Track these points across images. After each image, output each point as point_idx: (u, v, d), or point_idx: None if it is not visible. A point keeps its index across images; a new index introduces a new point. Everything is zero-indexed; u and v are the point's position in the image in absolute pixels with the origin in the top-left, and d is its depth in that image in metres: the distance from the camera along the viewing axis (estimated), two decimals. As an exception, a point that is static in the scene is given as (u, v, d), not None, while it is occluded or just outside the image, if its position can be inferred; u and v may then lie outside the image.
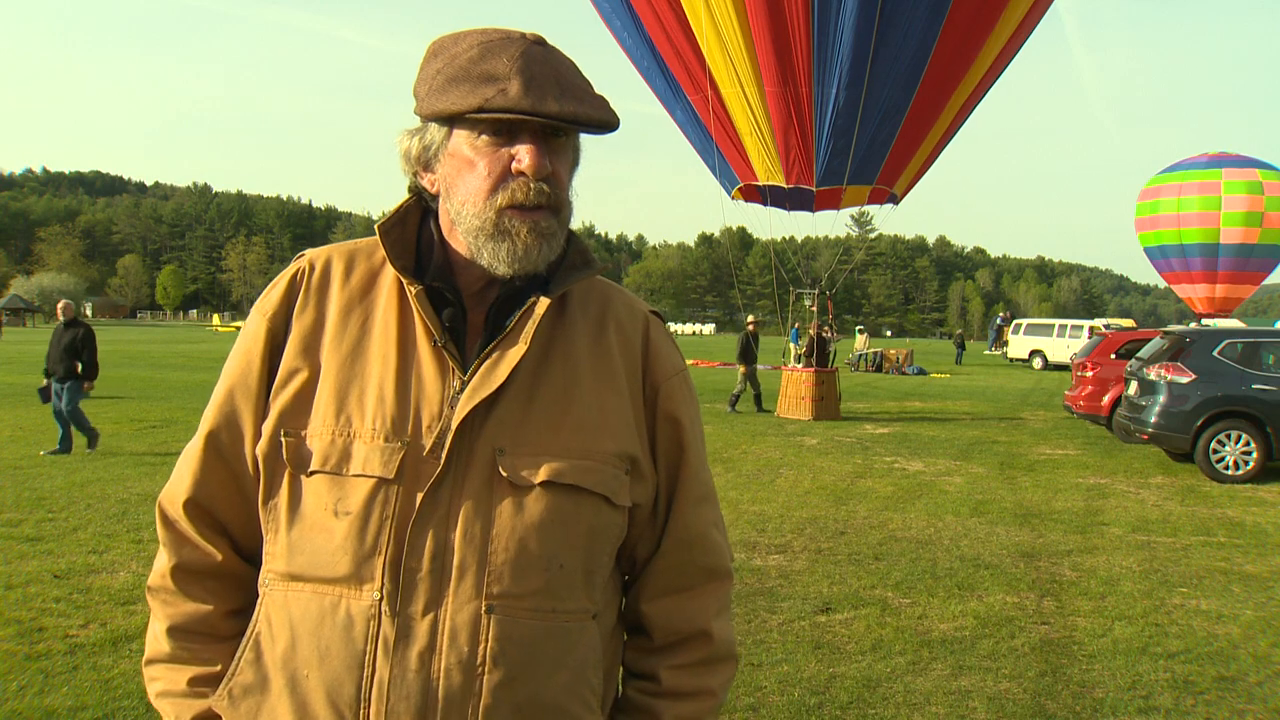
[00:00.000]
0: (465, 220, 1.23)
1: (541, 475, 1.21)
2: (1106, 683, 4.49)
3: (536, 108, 1.16)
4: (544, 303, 1.24)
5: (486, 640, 1.17)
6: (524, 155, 1.19)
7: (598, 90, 1.25)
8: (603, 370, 1.29)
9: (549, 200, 1.22)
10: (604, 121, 1.21)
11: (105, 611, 5.08)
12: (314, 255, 1.34)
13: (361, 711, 1.16)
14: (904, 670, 4.56)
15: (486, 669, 1.17)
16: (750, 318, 18.66)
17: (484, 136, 1.21)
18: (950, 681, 4.44)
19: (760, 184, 15.02)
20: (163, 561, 1.31)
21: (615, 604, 1.35)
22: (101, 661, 4.38)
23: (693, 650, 1.34)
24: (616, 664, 1.36)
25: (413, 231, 1.31)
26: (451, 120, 1.22)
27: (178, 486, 1.31)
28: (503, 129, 1.20)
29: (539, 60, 1.20)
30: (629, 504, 1.29)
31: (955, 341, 46.19)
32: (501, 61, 1.19)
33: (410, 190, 1.32)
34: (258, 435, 1.26)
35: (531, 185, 1.20)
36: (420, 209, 1.32)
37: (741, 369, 17.67)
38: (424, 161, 1.28)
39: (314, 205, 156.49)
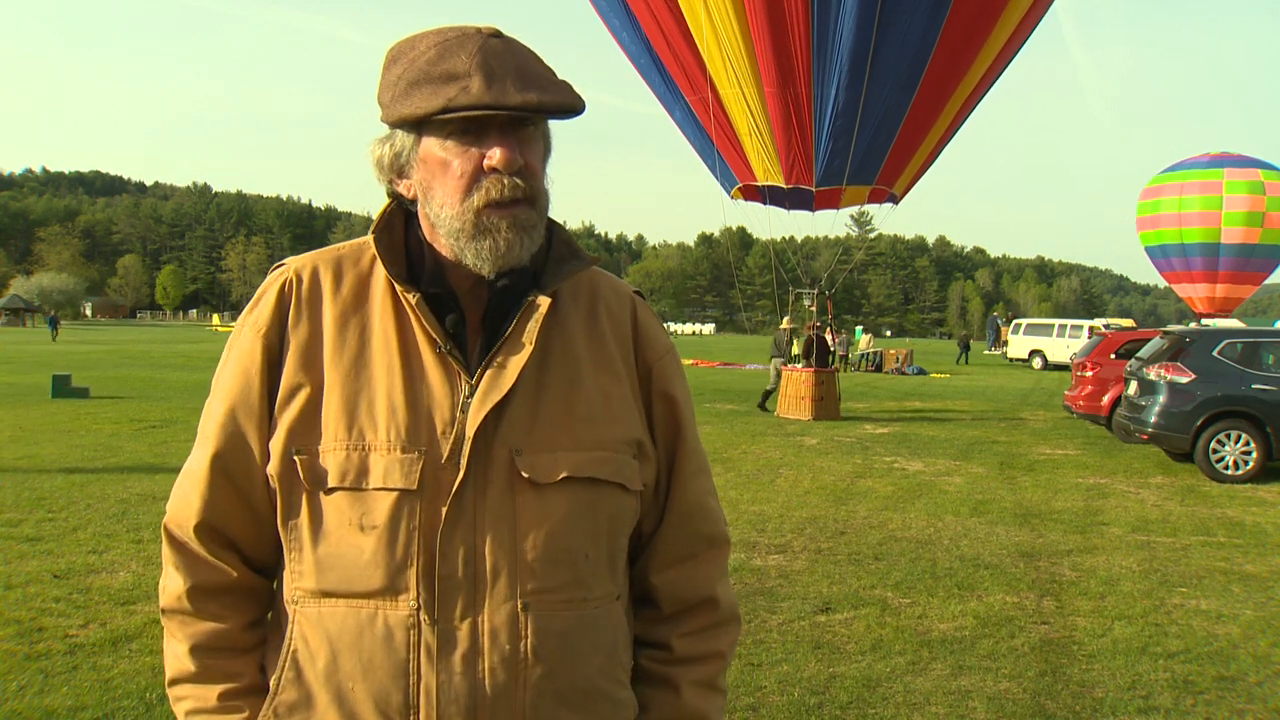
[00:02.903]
0: (445, 223, 1.23)
1: (561, 471, 1.23)
2: (1106, 683, 4.49)
3: (500, 101, 1.16)
4: (545, 302, 1.26)
5: (526, 636, 1.20)
6: (495, 151, 1.19)
7: (563, 78, 1.25)
8: (601, 358, 1.32)
9: (525, 193, 1.22)
10: (569, 106, 1.21)
11: (105, 611, 5.08)
12: (298, 265, 1.32)
13: (412, 717, 1.18)
14: (904, 670, 4.56)
15: (529, 663, 1.20)
16: (786, 320, 18.72)
17: (452, 137, 1.21)
18: (950, 681, 4.44)
19: (759, 184, 15.01)
20: (176, 584, 1.29)
21: (627, 580, 1.39)
22: (101, 661, 4.38)
23: (701, 617, 1.39)
24: (631, 634, 1.41)
25: (400, 236, 1.30)
26: (419, 124, 1.22)
27: (185, 510, 1.29)
28: (470, 127, 1.20)
29: (497, 53, 1.20)
30: (640, 488, 1.32)
31: (959, 342, 46.13)
32: (460, 59, 1.19)
33: (389, 195, 1.31)
34: (266, 454, 1.25)
35: (505, 180, 1.20)
36: (403, 212, 1.32)
37: (774, 366, 17.70)
38: (397, 168, 1.28)
39: (314, 205, 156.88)
